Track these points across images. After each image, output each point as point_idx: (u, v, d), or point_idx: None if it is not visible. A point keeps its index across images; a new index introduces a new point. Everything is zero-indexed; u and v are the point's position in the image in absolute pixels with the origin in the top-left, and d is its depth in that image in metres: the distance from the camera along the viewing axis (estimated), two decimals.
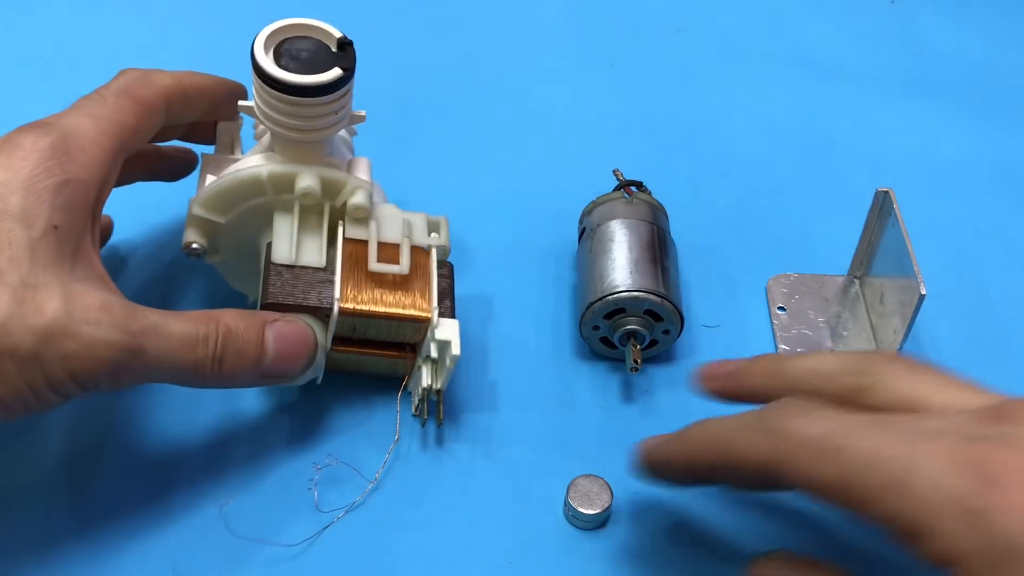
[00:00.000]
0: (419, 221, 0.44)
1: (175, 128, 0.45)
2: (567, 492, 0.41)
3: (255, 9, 0.63)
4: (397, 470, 0.43)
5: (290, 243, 0.41)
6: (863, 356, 0.35)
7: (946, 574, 0.28)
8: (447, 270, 0.44)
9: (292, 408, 0.44)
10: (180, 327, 0.37)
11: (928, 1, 0.71)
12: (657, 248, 0.47)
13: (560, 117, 0.61)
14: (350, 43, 0.40)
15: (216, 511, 0.40)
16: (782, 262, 0.53)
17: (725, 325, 0.50)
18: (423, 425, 0.44)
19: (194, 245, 0.42)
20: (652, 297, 0.45)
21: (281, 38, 0.40)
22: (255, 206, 0.42)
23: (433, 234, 0.44)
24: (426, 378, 0.42)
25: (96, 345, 0.34)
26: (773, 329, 0.50)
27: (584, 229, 0.50)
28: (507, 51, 0.65)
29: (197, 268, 0.49)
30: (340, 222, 0.43)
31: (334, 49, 0.40)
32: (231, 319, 0.38)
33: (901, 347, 0.45)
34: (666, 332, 0.46)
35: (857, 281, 0.52)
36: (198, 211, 0.42)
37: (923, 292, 0.43)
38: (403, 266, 0.42)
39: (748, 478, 0.34)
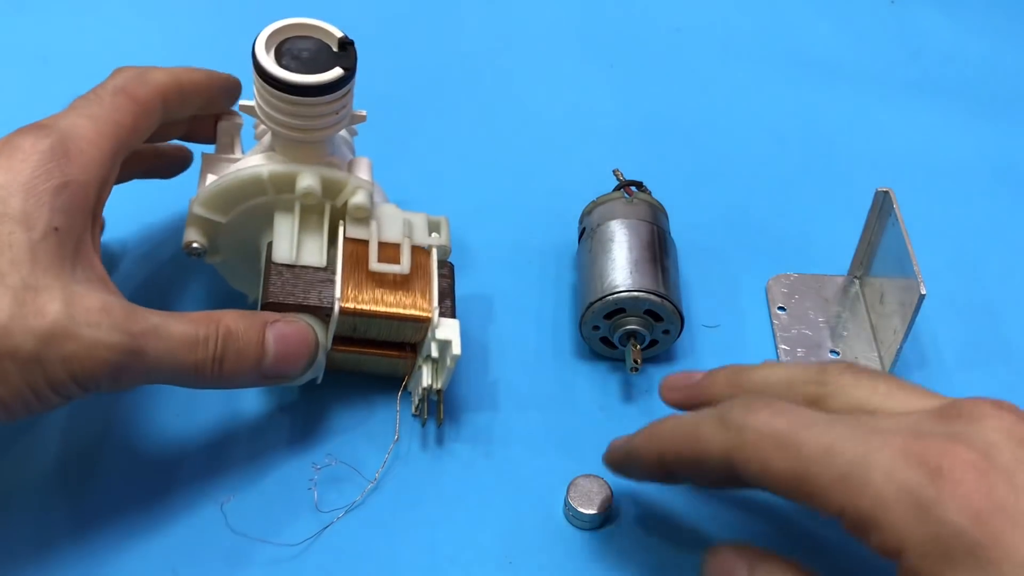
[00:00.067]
0: (420, 221, 0.44)
1: (176, 127, 0.45)
2: (567, 492, 0.41)
3: (255, 8, 0.63)
4: (397, 470, 0.43)
5: (291, 243, 0.41)
6: (820, 366, 0.36)
7: (892, 567, 0.29)
8: (448, 270, 0.44)
9: (292, 408, 0.44)
10: (180, 328, 0.37)
11: (928, 1, 0.71)
12: (657, 248, 0.47)
13: (560, 117, 0.61)
14: (351, 43, 0.40)
15: (216, 510, 0.40)
16: (782, 262, 0.53)
17: (725, 325, 0.50)
18: (423, 425, 0.44)
19: (194, 245, 0.42)
20: (652, 297, 0.45)
21: (282, 38, 0.40)
22: (256, 206, 0.42)
23: (434, 234, 0.44)
24: (426, 378, 0.42)
25: (97, 347, 0.34)
26: (773, 329, 0.50)
27: (584, 229, 0.50)
28: (507, 51, 0.66)
29: (196, 268, 0.49)
30: (341, 222, 0.43)
31: (335, 49, 0.40)
32: (231, 320, 0.38)
33: (901, 347, 0.45)
34: (666, 332, 0.46)
35: (857, 281, 0.52)
36: (199, 210, 0.42)
37: (923, 292, 0.43)
38: (404, 266, 0.42)
39: (710, 472, 0.34)
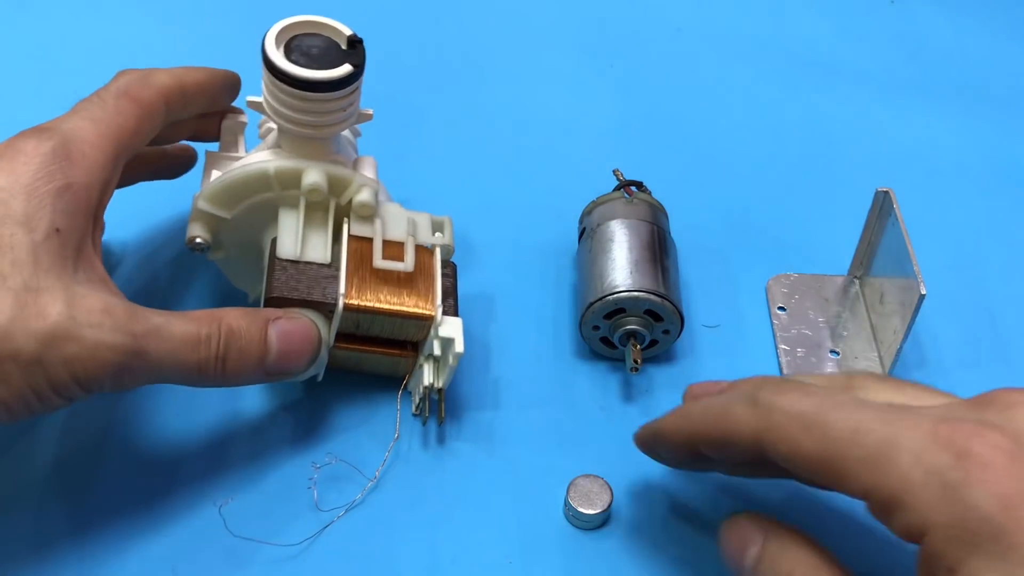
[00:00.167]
0: (423, 221, 0.44)
1: (183, 128, 0.45)
2: (567, 492, 0.41)
3: (256, 8, 0.63)
4: (398, 469, 0.43)
5: (295, 239, 0.42)
6: (847, 373, 0.36)
7: (915, 548, 0.29)
8: (450, 270, 0.44)
9: (295, 407, 0.44)
10: (182, 328, 0.37)
11: (928, 1, 0.71)
12: (657, 248, 0.47)
13: (560, 117, 0.61)
14: (360, 41, 0.41)
15: (216, 511, 0.40)
16: (782, 262, 0.53)
17: (725, 325, 0.50)
18: (424, 424, 0.44)
19: (198, 240, 0.42)
20: (652, 297, 0.45)
21: (291, 35, 0.41)
22: (261, 202, 0.42)
23: (437, 233, 0.45)
24: (428, 376, 0.42)
25: (99, 348, 0.34)
26: (773, 329, 0.50)
27: (584, 229, 0.50)
28: (507, 51, 0.66)
29: (198, 268, 0.49)
30: (345, 219, 0.43)
31: (343, 47, 0.41)
32: (233, 318, 0.38)
33: (901, 347, 0.45)
34: (666, 332, 0.46)
35: (857, 281, 0.52)
36: (203, 205, 0.42)
37: (923, 292, 0.43)
38: (408, 263, 0.42)
39: (739, 453, 0.34)
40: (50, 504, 0.40)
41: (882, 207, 0.48)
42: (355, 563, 0.40)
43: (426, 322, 0.42)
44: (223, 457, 0.42)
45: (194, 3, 0.66)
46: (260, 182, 0.42)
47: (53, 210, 0.35)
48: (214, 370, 0.37)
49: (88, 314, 0.34)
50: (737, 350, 0.49)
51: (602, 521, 0.41)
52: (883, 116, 0.63)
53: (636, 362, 0.45)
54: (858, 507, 0.31)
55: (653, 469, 0.41)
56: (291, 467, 0.42)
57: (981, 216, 0.57)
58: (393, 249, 0.43)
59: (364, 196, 0.42)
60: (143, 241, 0.50)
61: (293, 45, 0.40)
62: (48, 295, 0.34)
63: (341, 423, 0.44)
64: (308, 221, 0.42)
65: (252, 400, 0.44)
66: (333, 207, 0.43)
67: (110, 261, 0.49)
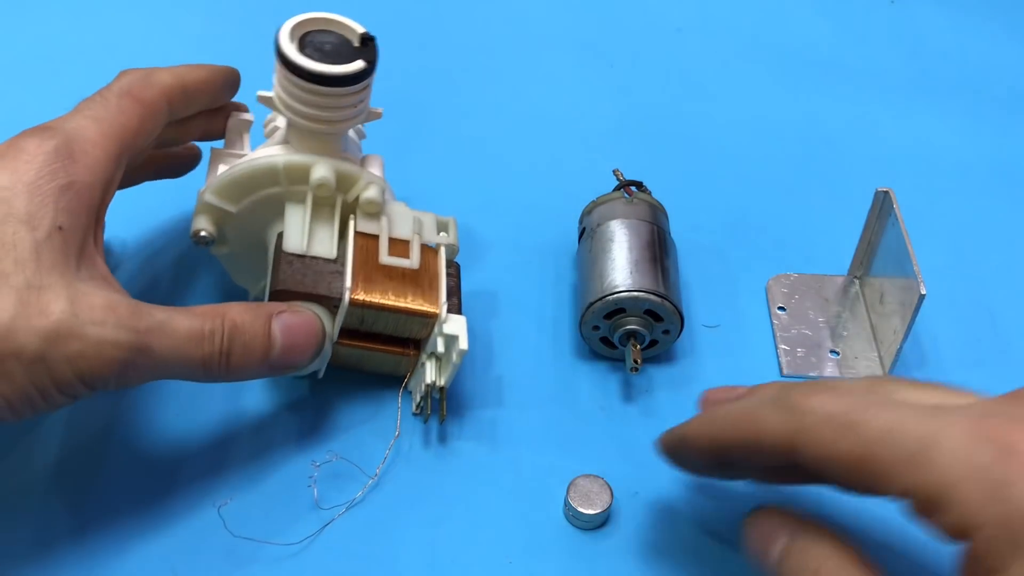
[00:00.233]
0: (429, 220, 0.45)
1: (192, 129, 0.46)
2: (567, 492, 0.41)
3: (255, 8, 0.64)
4: (399, 467, 0.43)
5: (302, 233, 0.42)
6: (869, 379, 0.36)
7: (961, 546, 0.28)
8: (454, 270, 0.44)
9: (298, 406, 0.44)
10: (186, 323, 0.37)
11: (928, 1, 0.72)
12: (657, 248, 0.47)
13: (560, 117, 0.61)
14: (372, 38, 0.41)
15: (216, 511, 0.40)
16: (782, 262, 0.53)
17: (725, 325, 0.50)
18: (425, 422, 0.44)
19: (203, 233, 0.42)
20: (652, 297, 0.45)
21: (304, 31, 0.41)
22: (267, 196, 0.42)
23: (442, 233, 0.45)
24: (430, 374, 0.42)
25: (103, 345, 0.34)
26: (773, 329, 0.50)
27: (584, 229, 0.50)
28: (507, 51, 0.66)
29: (200, 266, 0.49)
30: (351, 216, 0.43)
31: (356, 44, 0.41)
32: (237, 313, 0.38)
33: (901, 347, 0.45)
34: (666, 332, 0.46)
35: (857, 281, 0.52)
36: (210, 198, 0.42)
37: (923, 292, 0.43)
38: (413, 260, 0.42)
39: (768, 458, 0.34)
40: (51, 504, 0.40)
41: (882, 207, 0.48)
42: (355, 561, 0.40)
43: (430, 320, 0.42)
44: (224, 456, 0.42)
45: (194, 3, 0.66)
46: (268, 176, 0.42)
47: (55, 208, 0.35)
48: (218, 365, 0.37)
49: (91, 311, 0.34)
50: (737, 350, 0.49)
51: (602, 521, 0.41)
52: (883, 116, 0.63)
53: (636, 362, 0.45)
54: (870, 505, 0.30)
55: (653, 469, 0.41)
56: (292, 465, 0.42)
57: (981, 216, 0.57)
58: (399, 247, 0.43)
59: (371, 193, 0.42)
60: (146, 239, 0.50)
61: (307, 41, 0.40)
62: (51, 293, 0.34)
63: (344, 421, 0.44)
64: (315, 217, 0.42)
65: (254, 399, 0.44)
66: (340, 203, 0.43)
67: (113, 259, 0.49)
